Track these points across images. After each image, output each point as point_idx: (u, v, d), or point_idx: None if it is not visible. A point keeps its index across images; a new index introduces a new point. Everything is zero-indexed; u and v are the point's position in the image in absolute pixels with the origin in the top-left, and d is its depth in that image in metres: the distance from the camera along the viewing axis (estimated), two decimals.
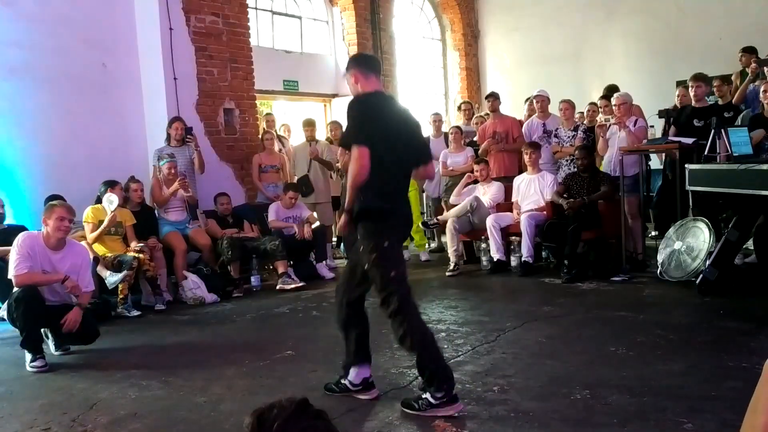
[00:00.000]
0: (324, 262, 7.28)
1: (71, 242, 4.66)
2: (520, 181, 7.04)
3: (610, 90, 7.58)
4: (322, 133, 8.65)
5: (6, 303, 4.44)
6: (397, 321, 3.18)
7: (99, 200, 6.07)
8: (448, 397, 3.09)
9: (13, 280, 4.28)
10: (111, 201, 5.87)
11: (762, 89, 6.07)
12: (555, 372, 3.59)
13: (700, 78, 6.19)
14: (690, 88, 6.28)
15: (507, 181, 7.34)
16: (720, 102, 6.44)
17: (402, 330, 3.16)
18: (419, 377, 3.28)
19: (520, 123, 7.82)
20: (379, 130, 3.28)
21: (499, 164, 7.54)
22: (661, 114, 6.75)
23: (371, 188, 3.24)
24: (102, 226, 5.84)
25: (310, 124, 7.94)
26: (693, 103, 6.28)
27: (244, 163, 7.81)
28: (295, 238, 6.90)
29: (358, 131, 3.30)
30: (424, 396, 3.14)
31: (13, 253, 4.31)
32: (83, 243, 5.33)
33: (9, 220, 6.00)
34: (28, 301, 4.22)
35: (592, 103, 8.08)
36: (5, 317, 4.51)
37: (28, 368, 4.21)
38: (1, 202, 5.89)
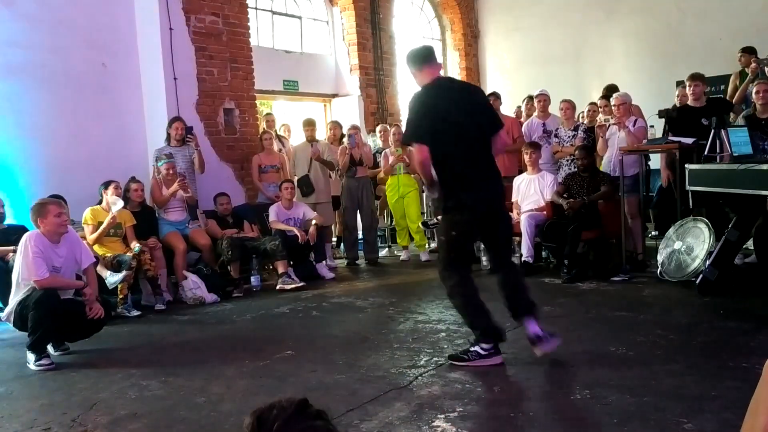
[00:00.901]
0: (324, 262, 7.29)
1: None
2: (520, 181, 7.04)
3: (610, 90, 7.58)
4: (322, 133, 8.65)
5: (12, 306, 4.43)
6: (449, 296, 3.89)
7: (100, 202, 6.07)
8: (494, 350, 3.68)
9: (36, 284, 4.29)
10: (114, 203, 5.87)
11: (755, 90, 6.07)
12: (555, 372, 3.60)
13: (697, 77, 6.20)
14: (687, 87, 6.28)
15: (507, 181, 7.34)
16: (694, 104, 6.36)
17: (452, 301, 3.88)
18: (473, 333, 3.81)
19: (520, 123, 7.82)
20: (431, 122, 3.60)
21: (499, 164, 7.51)
22: (661, 114, 6.74)
23: (441, 181, 3.71)
24: (101, 228, 5.84)
25: (310, 124, 7.94)
26: (690, 101, 6.27)
27: (244, 163, 7.81)
28: (296, 238, 6.89)
29: (411, 129, 3.74)
30: (473, 348, 3.70)
31: (27, 255, 4.32)
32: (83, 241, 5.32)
33: (9, 220, 6.00)
34: (49, 307, 4.24)
35: (592, 103, 8.08)
36: (8, 320, 4.50)
37: (34, 367, 4.22)
38: (1, 202, 5.89)
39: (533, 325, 3.73)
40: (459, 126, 3.63)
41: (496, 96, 7.93)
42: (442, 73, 4.05)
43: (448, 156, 3.63)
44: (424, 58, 3.85)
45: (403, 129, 3.96)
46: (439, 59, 11.86)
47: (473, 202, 3.66)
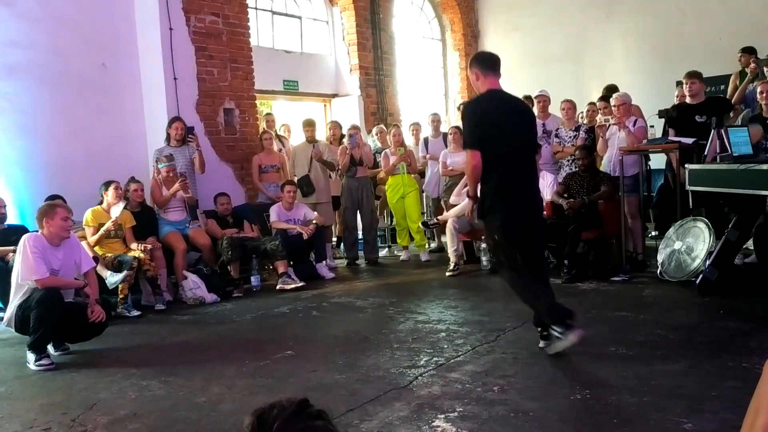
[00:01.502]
0: (324, 262, 7.29)
1: None
2: None
3: (610, 90, 7.58)
4: (321, 134, 8.65)
5: (12, 310, 4.43)
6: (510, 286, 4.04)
7: (101, 202, 6.07)
8: (568, 327, 3.70)
9: (37, 284, 4.30)
10: (116, 205, 5.87)
11: (759, 90, 6.07)
12: (555, 372, 3.60)
13: (694, 75, 6.20)
14: (684, 85, 6.28)
15: None
16: (691, 101, 6.35)
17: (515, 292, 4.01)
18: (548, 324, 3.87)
19: None
20: (484, 130, 3.79)
21: None
22: (661, 114, 6.74)
23: (485, 185, 3.89)
24: (102, 231, 5.84)
25: (310, 125, 7.94)
26: (688, 99, 6.26)
27: (244, 163, 7.81)
28: (296, 238, 6.90)
29: (468, 135, 3.92)
30: (554, 333, 3.78)
31: (26, 255, 4.33)
32: (83, 243, 5.33)
33: (9, 221, 5.99)
34: (51, 305, 4.25)
35: (592, 103, 8.08)
36: (9, 325, 4.50)
37: (34, 367, 4.22)
38: (3, 202, 5.89)
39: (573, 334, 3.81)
40: (509, 137, 3.82)
41: None
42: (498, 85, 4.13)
43: (494, 164, 3.79)
44: (493, 64, 3.97)
45: (460, 131, 4.32)
46: (439, 59, 11.96)
47: (510, 211, 3.82)
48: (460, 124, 8.57)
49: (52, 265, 4.44)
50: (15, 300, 4.40)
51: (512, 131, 3.84)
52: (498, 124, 3.81)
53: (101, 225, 5.89)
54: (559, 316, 3.75)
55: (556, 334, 3.74)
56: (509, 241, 3.88)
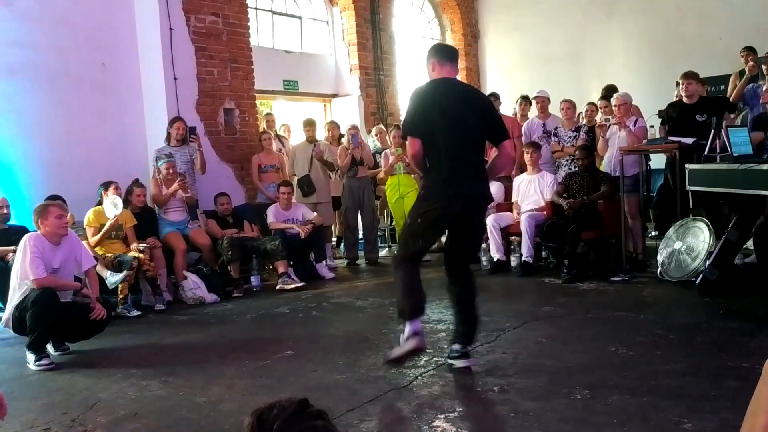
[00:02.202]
0: (324, 262, 7.28)
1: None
2: (520, 181, 7.04)
3: (609, 91, 7.58)
4: (321, 134, 8.65)
5: (10, 311, 4.43)
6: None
7: (100, 203, 6.07)
8: (414, 334, 3.52)
9: (34, 283, 4.30)
10: (116, 205, 5.87)
11: (765, 88, 6.06)
12: (555, 372, 3.59)
13: (690, 76, 6.21)
14: (680, 86, 6.28)
15: (507, 181, 7.35)
16: (688, 101, 6.35)
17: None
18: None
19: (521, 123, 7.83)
20: (428, 116, 3.60)
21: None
22: (661, 114, 6.74)
23: (425, 171, 3.73)
24: (103, 230, 5.85)
25: (310, 125, 7.94)
26: (685, 100, 6.26)
27: (244, 163, 7.81)
28: (295, 238, 6.90)
29: (408, 124, 3.73)
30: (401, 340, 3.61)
31: (25, 255, 4.33)
32: (83, 243, 5.32)
33: (10, 221, 5.99)
34: (47, 304, 4.25)
35: (591, 103, 8.09)
36: (8, 326, 4.49)
37: (34, 367, 4.22)
38: (6, 202, 5.89)
39: (465, 361, 3.67)
40: (453, 122, 3.60)
41: (495, 96, 7.92)
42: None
43: (435, 148, 3.61)
44: (451, 55, 3.85)
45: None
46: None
47: (448, 198, 3.61)
48: None
49: (52, 264, 4.45)
50: (13, 300, 4.41)
51: (459, 118, 3.62)
52: (442, 111, 3.61)
53: (103, 225, 5.89)
54: (413, 316, 3.55)
55: (401, 339, 3.59)
56: (427, 228, 3.67)
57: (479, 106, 3.78)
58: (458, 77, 3.94)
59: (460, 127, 3.62)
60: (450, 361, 3.71)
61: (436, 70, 3.77)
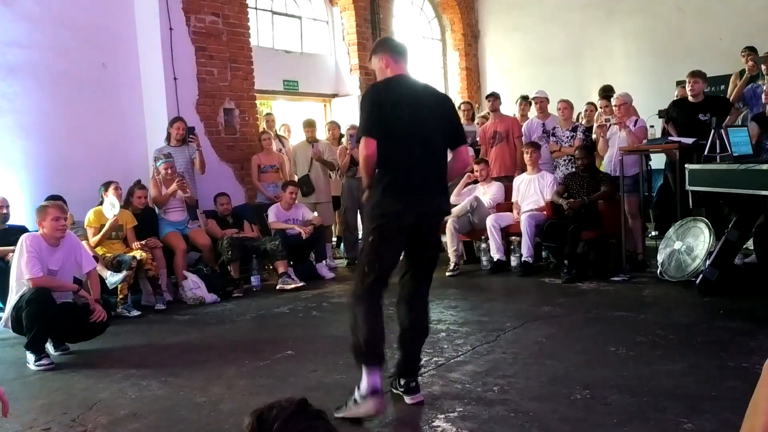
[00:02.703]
0: (324, 262, 7.29)
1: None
2: (520, 181, 7.04)
3: (606, 91, 7.59)
4: (321, 134, 8.65)
5: (8, 311, 4.43)
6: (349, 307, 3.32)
7: (101, 203, 6.07)
8: (372, 393, 3.02)
9: (29, 283, 4.30)
10: (113, 205, 5.87)
11: (765, 89, 6.07)
12: (555, 372, 3.59)
13: (697, 74, 6.20)
14: (687, 84, 6.27)
15: (506, 181, 7.35)
16: (693, 100, 6.34)
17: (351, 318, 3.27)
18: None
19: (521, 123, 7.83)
20: (387, 116, 3.16)
21: (499, 164, 7.55)
22: (661, 114, 6.75)
23: (379, 183, 3.18)
24: (103, 231, 5.84)
25: (310, 125, 7.94)
26: (690, 98, 6.26)
27: (244, 163, 7.81)
28: (295, 238, 6.91)
29: (363, 122, 3.22)
30: (356, 396, 3.08)
31: (23, 255, 4.33)
32: (83, 243, 5.32)
33: (10, 221, 5.99)
34: (40, 303, 4.24)
35: (590, 103, 8.09)
36: (7, 326, 4.49)
37: (33, 367, 4.22)
38: (6, 202, 5.89)
39: (413, 397, 3.27)
40: (414, 126, 3.20)
41: (495, 96, 7.93)
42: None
43: (391, 154, 3.14)
44: (405, 52, 3.42)
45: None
46: (439, 59, 11.95)
47: (398, 211, 3.15)
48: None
49: (49, 266, 4.44)
50: (12, 300, 4.41)
51: (420, 122, 3.21)
52: (403, 112, 3.19)
53: (103, 225, 5.88)
54: (371, 362, 3.09)
55: (356, 394, 3.05)
56: (384, 248, 3.18)
57: (441, 108, 3.41)
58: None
59: (421, 133, 3.22)
60: (396, 392, 3.32)
61: (390, 66, 3.34)
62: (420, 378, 3.58)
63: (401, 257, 3.32)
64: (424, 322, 3.43)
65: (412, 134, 3.19)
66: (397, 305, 3.39)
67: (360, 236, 7.88)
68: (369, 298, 3.20)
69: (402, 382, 3.31)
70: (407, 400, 3.25)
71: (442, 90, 11.74)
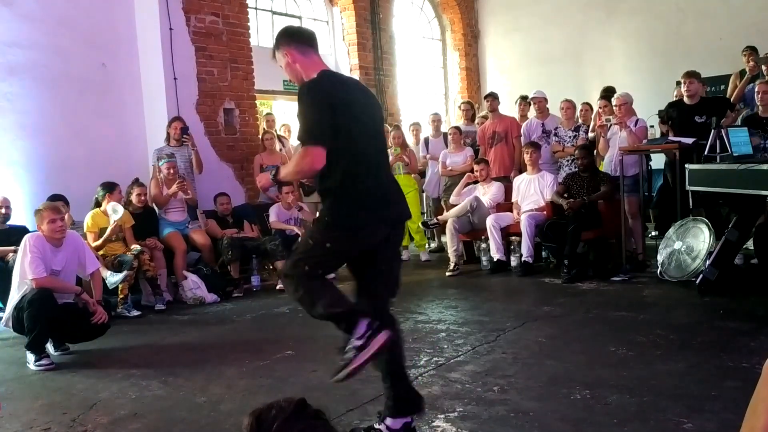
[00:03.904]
0: None
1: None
2: (520, 181, 7.04)
3: (608, 92, 7.58)
4: None
5: (9, 311, 4.43)
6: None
7: (98, 203, 6.07)
8: (371, 330, 2.66)
9: (33, 283, 4.31)
10: (116, 210, 5.87)
11: (756, 90, 6.07)
12: (555, 372, 3.59)
13: (692, 75, 6.20)
14: (682, 85, 6.27)
15: (505, 181, 7.35)
16: (689, 101, 6.33)
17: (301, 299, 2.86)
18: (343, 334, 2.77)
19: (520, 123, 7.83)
20: (343, 119, 2.72)
21: (498, 164, 7.55)
22: (661, 114, 6.75)
23: (346, 191, 2.78)
24: (104, 237, 5.83)
25: None
26: (686, 99, 6.25)
27: (244, 163, 7.81)
28: (295, 238, 6.90)
29: (310, 127, 2.71)
30: (347, 347, 2.66)
31: (27, 255, 4.34)
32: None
33: (11, 221, 5.99)
34: (42, 303, 4.25)
35: (585, 104, 8.10)
36: (8, 326, 4.49)
37: (34, 367, 4.23)
38: (7, 202, 5.89)
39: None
40: (367, 126, 2.85)
41: (493, 96, 7.94)
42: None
43: (348, 159, 2.75)
44: (310, 39, 2.94)
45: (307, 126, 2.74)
46: (439, 59, 11.95)
47: (371, 225, 2.82)
48: (460, 123, 8.66)
49: (53, 266, 4.45)
50: (13, 300, 4.41)
51: (369, 120, 2.88)
52: (352, 111, 2.78)
53: (102, 229, 5.87)
54: (361, 313, 2.76)
55: (357, 342, 2.64)
56: (334, 260, 2.98)
57: (376, 106, 3.07)
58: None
59: (373, 132, 2.89)
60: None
61: (299, 61, 2.86)
62: (419, 379, 3.59)
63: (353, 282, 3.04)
64: (399, 340, 2.96)
65: (367, 136, 2.84)
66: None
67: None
68: (313, 279, 2.86)
69: (389, 422, 2.83)
70: (374, 344, 2.64)
71: (442, 90, 11.89)
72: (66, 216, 5.30)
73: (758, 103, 6.05)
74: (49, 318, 4.29)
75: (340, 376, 2.66)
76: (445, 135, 8.33)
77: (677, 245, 5.59)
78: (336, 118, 2.70)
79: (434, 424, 2.99)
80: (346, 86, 2.93)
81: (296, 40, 2.91)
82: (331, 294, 2.87)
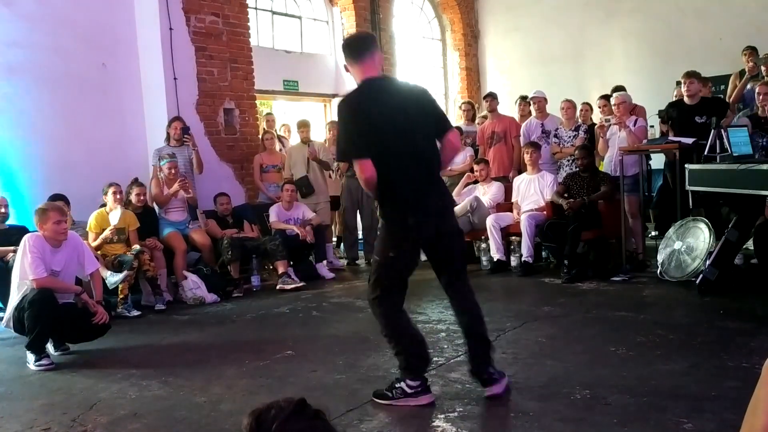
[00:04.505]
0: (324, 262, 7.28)
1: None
2: (520, 181, 7.04)
3: (615, 91, 7.56)
4: (321, 134, 8.65)
5: (10, 311, 4.43)
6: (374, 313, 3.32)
7: (103, 204, 6.07)
8: (422, 387, 3.17)
9: (33, 283, 4.30)
10: (114, 211, 5.87)
11: (757, 91, 6.07)
12: (555, 372, 3.59)
13: (692, 75, 6.20)
14: (682, 85, 6.27)
15: (505, 181, 7.35)
16: (689, 101, 6.33)
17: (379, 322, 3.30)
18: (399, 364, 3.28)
19: (518, 123, 7.83)
20: (373, 130, 3.02)
21: (498, 164, 7.55)
22: (661, 114, 6.75)
23: (383, 197, 3.14)
24: (101, 237, 5.82)
25: (304, 126, 7.91)
26: (686, 99, 6.25)
27: (244, 163, 7.81)
28: (295, 238, 6.90)
29: (349, 144, 3.09)
30: (398, 385, 3.20)
31: (27, 255, 4.33)
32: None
33: (10, 221, 5.99)
34: (43, 303, 4.25)
35: (585, 103, 8.09)
36: (8, 326, 4.49)
37: (34, 367, 4.22)
38: (6, 202, 5.89)
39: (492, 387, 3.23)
40: (401, 132, 3.07)
41: (492, 96, 7.93)
42: (382, 67, 3.40)
43: (385, 168, 3.04)
44: (364, 47, 3.18)
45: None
46: (439, 59, 11.95)
47: (417, 224, 3.13)
48: (461, 123, 8.66)
49: (52, 267, 4.44)
50: (14, 300, 4.41)
51: (405, 125, 3.08)
52: (385, 120, 3.04)
53: (104, 230, 5.87)
54: (420, 372, 3.20)
55: (407, 389, 3.17)
56: (406, 264, 3.26)
57: (420, 103, 3.21)
58: (382, 69, 3.33)
59: (409, 137, 3.09)
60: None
61: (354, 70, 3.16)
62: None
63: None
64: (466, 308, 3.38)
65: (401, 142, 3.07)
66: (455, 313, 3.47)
67: (360, 236, 7.97)
68: (393, 315, 3.26)
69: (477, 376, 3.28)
70: (486, 391, 3.21)
71: (442, 90, 11.88)
72: (68, 218, 5.29)
73: (758, 104, 6.05)
74: (50, 318, 4.29)
75: (377, 400, 3.21)
76: None
77: (677, 245, 5.59)
78: (366, 129, 3.01)
79: (434, 424, 2.99)
80: (376, 92, 3.13)
81: (348, 52, 3.20)
82: (393, 328, 3.24)
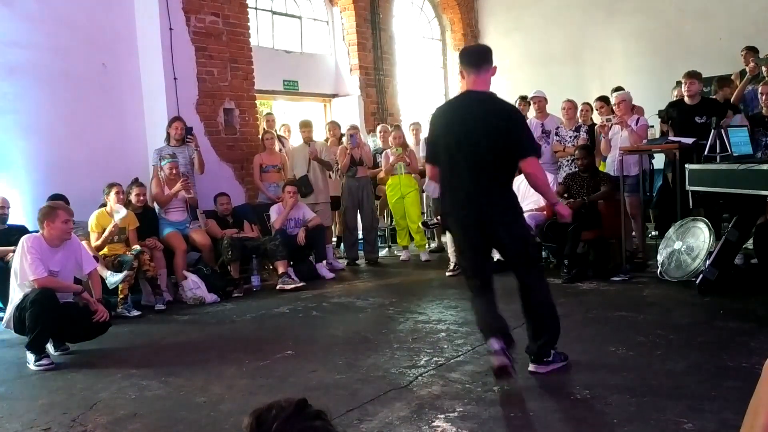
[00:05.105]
0: (323, 262, 7.28)
1: None
2: (520, 182, 7.02)
3: (615, 92, 7.57)
4: (321, 134, 8.65)
5: (10, 312, 4.43)
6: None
7: (103, 204, 6.06)
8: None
9: (34, 284, 4.31)
10: (118, 212, 5.87)
11: (760, 91, 6.07)
12: (555, 372, 3.59)
13: (693, 75, 6.19)
14: (683, 85, 6.26)
15: None
16: (689, 101, 6.32)
17: None
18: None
19: None
20: (438, 141, 3.56)
21: None
22: (661, 114, 6.74)
23: (442, 199, 3.72)
24: (103, 237, 5.82)
25: (306, 126, 7.92)
26: (686, 100, 6.24)
27: (244, 163, 7.81)
28: (296, 238, 6.92)
29: (426, 147, 3.77)
30: (554, 351, 3.63)
31: (24, 256, 4.34)
32: (84, 243, 5.31)
33: (10, 221, 5.99)
34: (45, 303, 4.25)
35: (585, 103, 8.09)
36: (9, 327, 4.49)
37: (34, 367, 4.23)
38: (6, 202, 5.89)
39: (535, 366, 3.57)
40: (459, 146, 3.45)
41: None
42: (482, 82, 3.66)
43: (443, 175, 3.59)
44: (475, 60, 3.62)
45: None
46: (439, 59, 11.95)
47: (457, 222, 3.62)
48: None
49: (51, 267, 4.44)
50: (14, 301, 4.41)
51: (465, 141, 3.42)
52: (451, 133, 3.49)
53: (105, 229, 5.87)
54: (488, 335, 3.49)
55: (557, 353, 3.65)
56: (465, 253, 3.77)
57: (494, 123, 3.43)
58: (488, 83, 3.66)
59: (470, 151, 3.40)
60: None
61: (462, 79, 3.67)
62: (419, 379, 3.59)
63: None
64: (529, 304, 3.64)
65: (460, 149, 3.43)
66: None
67: (360, 236, 7.98)
68: (474, 295, 3.70)
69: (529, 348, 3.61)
70: (530, 367, 3.57)
71: (442, 90, 11.87)
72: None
73: (762, 105, 6.04)
74: (51, 317, 4.29)
75: (536, 368, 3.56)
76: None
77: (677, 245, 5.59)
78: (434, 138, 3.60)
79: (434, 424, 2.99)
80: (457, 107, 3.63)
81: (463, 59, 3.67)
82: (476, 310, 3.68)
